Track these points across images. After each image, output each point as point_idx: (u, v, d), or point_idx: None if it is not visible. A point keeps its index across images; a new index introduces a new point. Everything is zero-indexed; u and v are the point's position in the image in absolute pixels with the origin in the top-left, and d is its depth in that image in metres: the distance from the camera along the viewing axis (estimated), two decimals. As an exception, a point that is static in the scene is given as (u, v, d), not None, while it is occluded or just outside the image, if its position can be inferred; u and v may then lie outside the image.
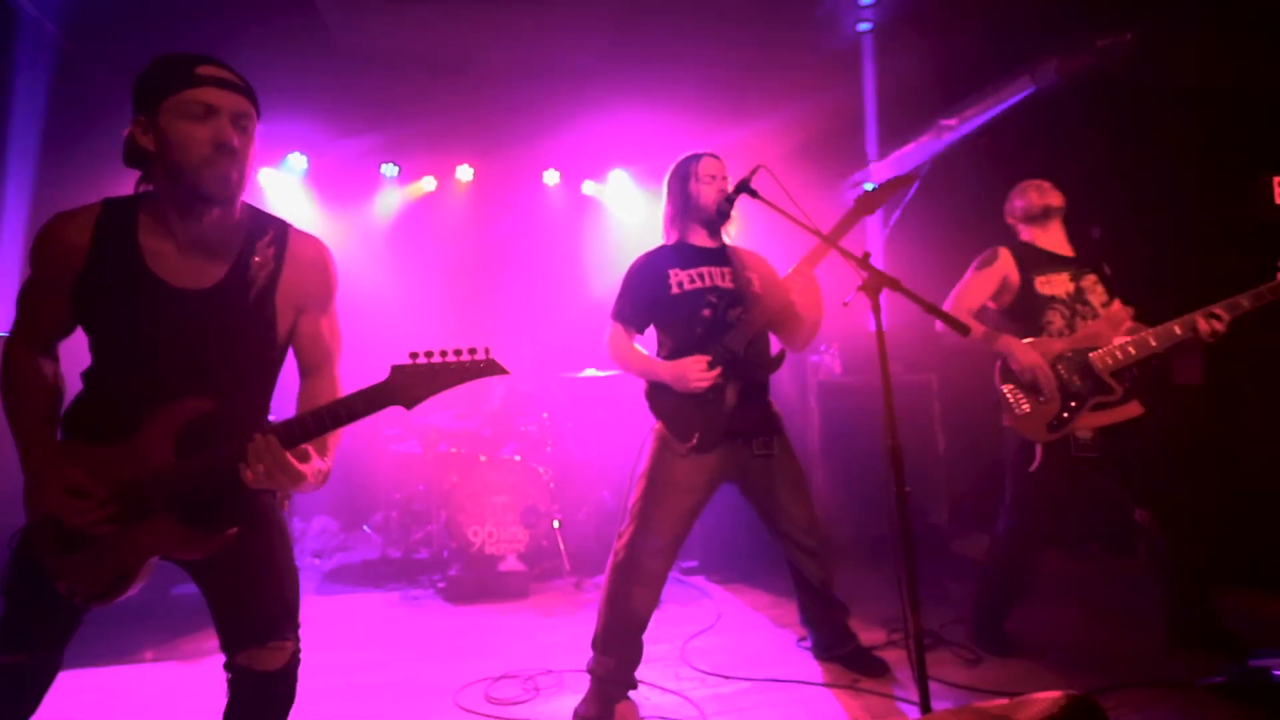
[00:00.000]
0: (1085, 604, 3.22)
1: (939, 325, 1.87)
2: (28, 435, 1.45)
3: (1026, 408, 2.58)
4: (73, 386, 1.54)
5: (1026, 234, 2.77)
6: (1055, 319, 2.63)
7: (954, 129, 3.95)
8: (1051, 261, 2.68)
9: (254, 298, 1.47)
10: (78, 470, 1.39)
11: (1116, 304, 2.62)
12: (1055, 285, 2.65)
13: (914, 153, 4.18)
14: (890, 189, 2.21)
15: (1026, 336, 2.63)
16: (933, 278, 2.76)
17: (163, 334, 1.43)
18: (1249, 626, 2.70)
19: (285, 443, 1.38)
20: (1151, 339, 2.50)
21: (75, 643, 1.63)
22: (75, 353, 1.55)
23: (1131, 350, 2.51)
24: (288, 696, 1.55)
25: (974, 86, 3.79)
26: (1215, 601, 2.57)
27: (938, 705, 1.81)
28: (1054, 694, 1.29)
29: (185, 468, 1.41)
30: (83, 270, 1.41)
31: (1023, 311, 2.67)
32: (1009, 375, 2.62)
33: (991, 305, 2.74)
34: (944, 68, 3.66)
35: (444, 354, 1.43)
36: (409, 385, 1.41)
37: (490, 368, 1.44)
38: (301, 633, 1.59)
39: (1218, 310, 2.45)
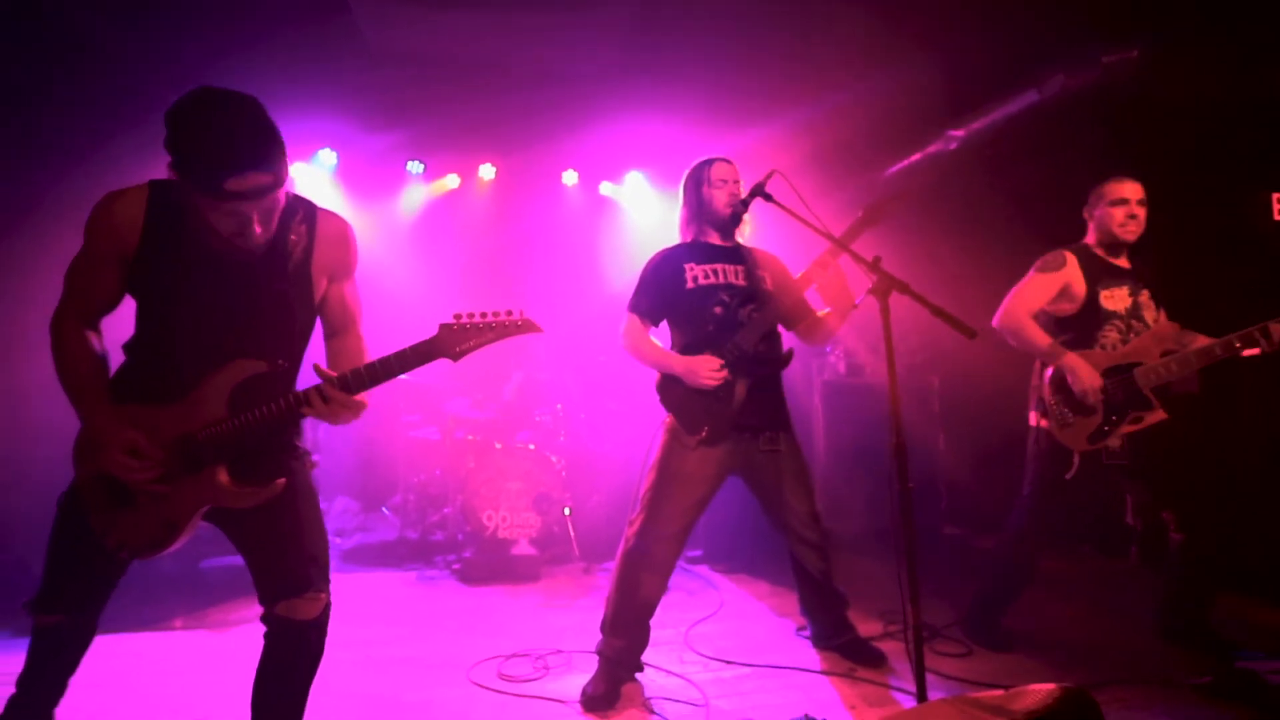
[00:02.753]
0: (1078, 602, 3.29)
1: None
2: (86, 399, 1.55)
3: (1071, 420, 2.60)
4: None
5: (1092, 234, 2.71)
6: (1112, 334, 2.61)
7: (961, 140, 4.02)
8: (1114, 274, 2.64)
9: (294, 267, 1.61)
10: (137, 432, 1.51)
11: (1164, 320, 2.62)
12: (1117, 300, 2.61)
13: (921, 162, 4.26)
14: (898, 201, 2.25)
15: (1079, 348, 2.61)
16: (937, 283, 2.82)
17: (219, 299, 1.56)
18: (1236, 630, 2.76)
19: (350, 390, 1.56)
20: (1194, 358, 2.49)
21: (110, 611, 1.75)
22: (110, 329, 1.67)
23: (1174, 367, 2.50)
24: (320, 645, 1.67)
25: (981, 99, 3.86)
26: (1212, 606, 2.62)
27: (933, 696, 1.87)
28: (1048, 686, 1.35)
29: (241, 421, 1.54)
30: (139, 243, 1.53)
31: (1082, 324, 2.63)
32: (1062, 388, 2.60)
33: (1048, 309, 2.69)
34: (952, 80, 3.72)
35: (484, 314, 1.60)
36: (454, 340, 1.58)
37: (526, 325, 1.61)
38: None
39: (1258, 332, 2.43)
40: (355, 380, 1.56)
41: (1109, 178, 2.68)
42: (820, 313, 2.46)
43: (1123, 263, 2.67)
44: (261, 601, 1.62)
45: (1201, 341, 2.54)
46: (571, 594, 3.46)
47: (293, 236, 1.61)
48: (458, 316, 1.58)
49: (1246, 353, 2.45)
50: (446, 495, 4.20)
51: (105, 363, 1.64)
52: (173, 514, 1.55)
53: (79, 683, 1.89)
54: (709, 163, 2.50)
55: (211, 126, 1.40)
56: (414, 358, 1.58)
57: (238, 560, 3.90)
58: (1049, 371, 2.64)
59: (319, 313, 1.74)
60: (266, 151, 1.43)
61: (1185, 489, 2.58)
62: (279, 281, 1.60)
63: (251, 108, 1.45)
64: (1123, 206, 2.61)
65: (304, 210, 1.66)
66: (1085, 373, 2.53)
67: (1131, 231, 2.62)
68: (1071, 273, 2.63)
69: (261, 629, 1.64)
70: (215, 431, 1.54)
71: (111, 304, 1.65)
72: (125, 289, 1.61)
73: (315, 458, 4.32)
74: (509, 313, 1.60)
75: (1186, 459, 2.60)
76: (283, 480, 1.59)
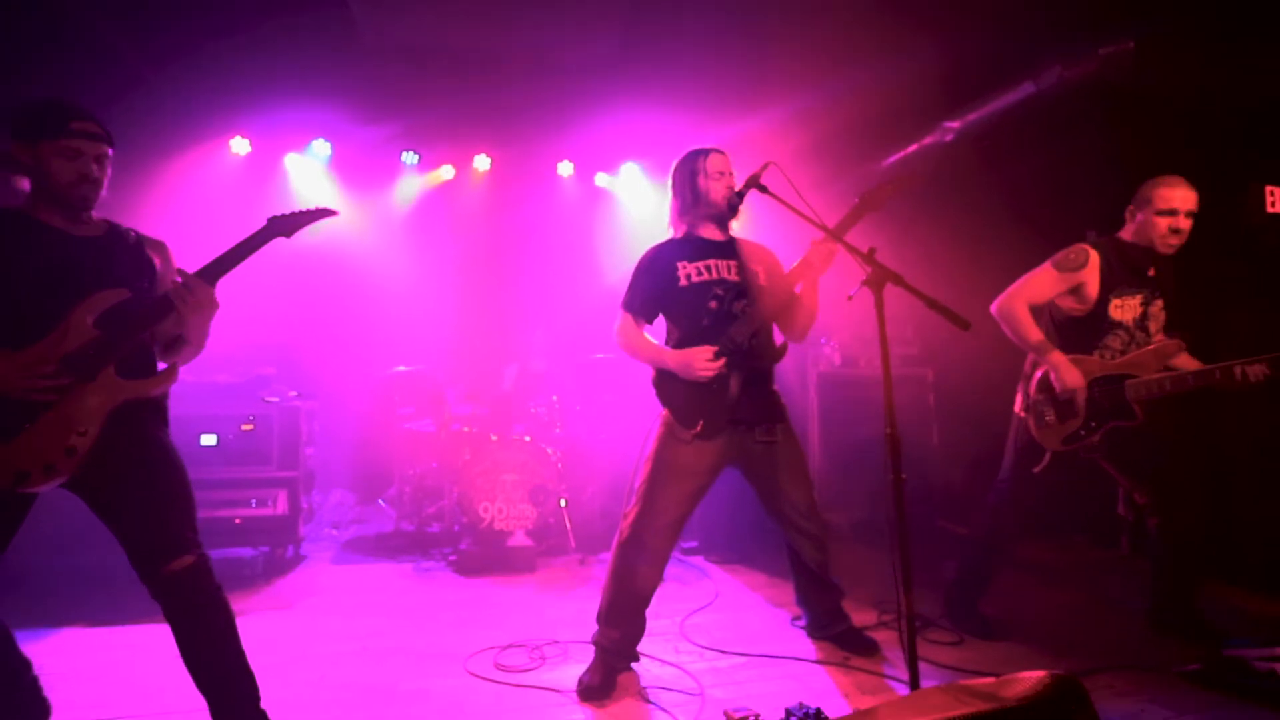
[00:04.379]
0: (1070, 592, 3.32)
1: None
2: None
3: (1051, 419, 2.61)
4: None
5: (1129, 233, 2.63)
6: (1114, 343, 2.60)
7: (956, 131, 4.01)
8: (1131, 280, 2.59)
9: (131, 245, 1.95)
10: (17, 360, 1.68)
11: (1172, 340, 2.58)
12: (1127, 310, 2.58)
13: (917, 153, 4.25)
14: (891, 190, 2.25)
15: (1078, 352, 2.60)
16: (932, 275, 2.83)
17: (77, 264, 1.82)
18: (1226, 619, 2.79)
19: (212, 275, 1.86)
20: (1190, 379, 2.45)
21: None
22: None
23: (1168, 385, 2.48)
24: (213, 594, 1.82)
25: (977, 91, 3.85)
26: (1197, 592, 2.66)
27: (926, 684, 1.89)
28: (1038, 674, 1.37)
29: (108, 332, 1.77)
30: None
31: (1086, 329, 2.62)
32: (1047, 386, 2.61)
33: (1057, 303, 2.67)
34: (948, 71, 3.72)
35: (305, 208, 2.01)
36: (286, 223, 1.96)
37: (323, 212, 1.99)
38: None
39: (1261, 363, 2.36)
40: (209, 270, 1.86)
41: (1161, 179, 2.54)
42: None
43: (1149, 269, 2.60)
44: (143, 577, 1.77)
45: (1196, 365, 2.52)
46: (567, 585, 3.48)
47: (122, 233, 1.96)
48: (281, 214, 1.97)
49: (1251, 379, 2.37)
50: (442, 487, 4.21)
51: None
52: (81, 420, 1.73)
53: (78, 674, 1.91)
54: (703, 154, 2.46)
55: (60, 97, 1.86)
56: (256, 240, 1.92)
57: (236, 553, 3.91)
58: (1040, 370, 2.65)
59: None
60: (100, 120, 1.86)
61: (1162, 474, 2.60)
62: (123, 252, 1.91)
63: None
64: (1169, 218, 2.52)
65: (129, 228, 2.00)
66: (1068, 373, 2.54)
67: (1172, 246, 2.55)
68: (1089, 274, 2.58)
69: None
70: (94, 342, 1.76)
71: None
72: None
73: (310, 451, 4.32)
74: (316, 206, 2.01)
75: (1169, 446, 2.62)
76: (176, 367, 1.88)
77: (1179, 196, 2.52)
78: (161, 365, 1.94)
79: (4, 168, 2.04)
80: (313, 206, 2.02)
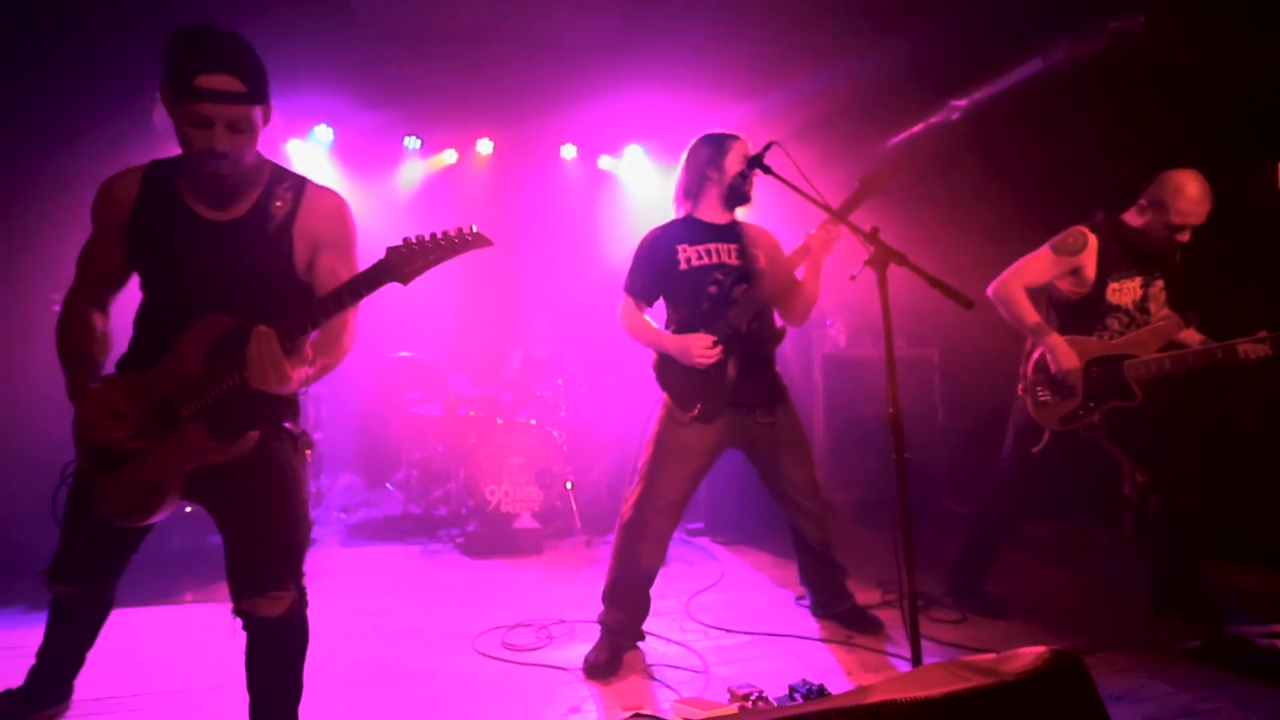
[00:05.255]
0: (1073, 570, 3.34)
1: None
2: (75, 370, 1.63)
3: (1047, 399, 2.62)
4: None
5: (1136, 220, 2.56)
6: (1113, 325, 2.60)
7: (963, 110, 3.97)
8: (1131, 264, 2.57)
9: (273, 230, 1.62)
10: (113, 394, 1.56)
11: (1171, 318, 2.57)
12: (1125, 293, 2.57)
13: (924, 132, 4.21)
14: (897, 171, 2.24)
15: (1078, 334, 2.60)
16: (937, 255, 2.81)
17: (194, 259, 1.59)
18: (1227, 596, 2.81)
19: (293, 334, 1.52)
20: (1191, 358, 2.45)
21: (123, 586, 1.78)
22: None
23: (1167, 365, 2.48)
24: (291, 639, 1.70)
25: (985, 68, 3.80)
26: (1199, 570, 2.67)
27: (928, 661, 1.91)
28: (1039, 649, 1.38)
29: (210, 376, 1.56)
30: (131, 214, 1.60)
31: (1084, 311, 2.62)
32: (1044, 366, 2.61)
33: (1056, 284, 2.66)
34: (955, 49, 3.66)
35: (433, 235, 1.53)
36: (404, 262, 1.51)
37: (477, 240, 1.55)
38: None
39: (1262, 337, 2.40)
40: (297, 325, 1.51)
41: (1185, 189, 2.44)
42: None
43: (1149, 248, 2.57)
44: (231, 597, 1.64)
45: (1198, 341, 2.52)
46: (574, 566, 3.52)
47: (277, 202, 1.63)
48: (406, 239, 1.52)
49: (1253, 356, 2.39)
50: (449, 471, 4.25)
51: (104, 340, 1.69)
52: (155, 475, 1.57)
53: (92, 654, 1.95)
54: (731, 137, 2.44)
55: (190, 33, 1.46)
56: (363, 285, 1.52)
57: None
58: (1038, 350, 2.65)
59: (311, 284, 1.71)
60: (237, 57, 1.46)
61: (1163, 453, 2.61)
62: (255, 243, 1.61)
63: (232, 32, 1.49)
64: (1184, 233, 2.48)
65: (293, 180, 1.69)
66: (1064, 354, 2.54)
67: (1178, 244, 2.54)
68: (1087, 258, 2.57)
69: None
70: (189, 385, 1.56)
71: (116, 279, 1.70)
72: (128, 265, 1.66)
73: (318, 435, 4.35)
74: (459, 229, 1.53)
75: (1170, 425, 2.62)
76: (255, 434, 1.61)
77: (1198, 213, 2.46)
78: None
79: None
80: (453, 231, 1.52)
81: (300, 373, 1.59)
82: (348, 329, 1.72)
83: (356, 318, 1.74)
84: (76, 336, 1.65)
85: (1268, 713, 2.00)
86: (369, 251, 1.65)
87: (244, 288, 1.61)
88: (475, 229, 1.54)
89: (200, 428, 1.57)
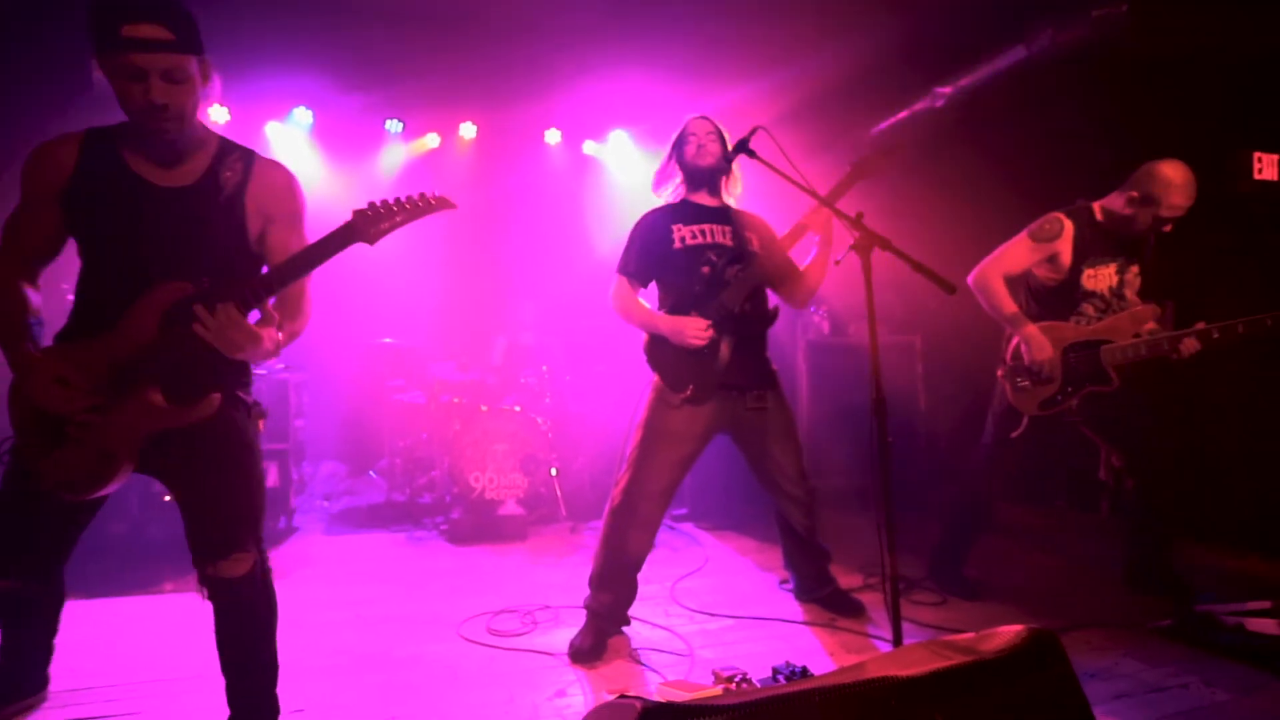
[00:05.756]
0: (1050, 554, 3.41)
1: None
2: (12, 339, 1.56)
3: (1025, 385, 2.65)
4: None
5: (1122, 209, 2.56)
6: (1089, 310, 2.63)
7: (947, 97, 3.98)
8: (1106, 250, 2.60)
9: (224, 199, 1.61)
10: (63, 363, 1.51)
11: (1147, 305, 2.61)
12: (1100, 280, 2.61)
13: (908, 119, 4.23)
14: (886, 157, 2.25)
15: (1055, 319, 2.64)
16: (921, 242, 2.83)
17: (148, 227, 1.56)
18: (1202, 578, 2.87)
19: (259, 295, 1.53)
20: (1165, 343, 2.49)
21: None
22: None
23: (1143, 350, 2.52)
24: (258, 603, 1.70)
25: (969, 55, 3.82)
26: (1173, 550, 2.73)
27: (909, 642, 1.94)
28: (1016, 628, 1.40)
29: (167, 338, 1.53)
30: (70, 179, 1.55)
31: (1059, 297, 2.65)
32: (1020, 356, 2.65)
33: (1033, 271, 2.68)
34: (940, 36, 3.67)
35: (398, 198, 1.59)
36: (369, 224, 1.56)
37: (440, 203, 1.61)
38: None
39: (1239, 325, 2.43)
40: (262, 285, 1.53)
41: (1174, 182, 2.45)
42: (801, 266, 2.48)
43: (1125, 233, 2.60)
44: (195, 564, 1.63)
45: (1173, 327, 2.56)
46: (558, 553, 3.52)
47: (226, 173, 1.63)
48: (371, 203, 1.57)
49: (1225, 341, 2.43)
50: (433, 458, 4.23)
51: (37, 311, 1.63)
52: (110, 443, 1.54)
53: (70, 644, 1.92)
54: (689, 119, 2.50)
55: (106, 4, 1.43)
56: (332, 245, 1.55)
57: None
58: (1015, 338, 2.68)
59: (264, 258, 1.71)
60: (163, 4, 1.44)
61: (1138, 436, 2.65)
62: (208, 211, 1.60)
63: None
64: (1168, 225, 2.52)
65: (242, 153, 1.68)
66: (1038, 345, 2.57)
67: (1158, 233, 2.57)
68: (1063, 244, 2.60)
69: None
70: (145, 349, 1.54)
71: (48, 248, 1.63)
72: (63, 232, 1.61)
73: (299, 423, 4.30)
74: (421, 194, 1.59)
75: (1145, 409, 2.66)
76: (217, 397, 1.60)
77: (1187, 205, 2.48)
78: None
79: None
80: (417, 195, 1.59)
81: (270, 333, 1.60)
82: (306, 296, 1.74)
83: (311, 287, 1.76)
84: (10, 307, 1.57)
85: (1233, 686, 2.05)
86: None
87: (197, 256, 1.59)
88: (438, 194, 1.59)
89: (157, 392, 1.55)
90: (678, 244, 2.41)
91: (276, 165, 1.72)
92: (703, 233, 2.42)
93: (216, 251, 1.61)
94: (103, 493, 1.61)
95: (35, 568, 1.72)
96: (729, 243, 2.42)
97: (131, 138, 1.57)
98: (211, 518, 1.64)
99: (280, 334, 1.65)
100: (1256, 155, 3.17)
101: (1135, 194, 2.53)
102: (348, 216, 1.59)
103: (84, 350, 1.54)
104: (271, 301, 1.61)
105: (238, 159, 1.65)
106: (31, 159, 1.56)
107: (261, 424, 1.81)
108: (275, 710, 1.75)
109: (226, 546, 1.62)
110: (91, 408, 1.52)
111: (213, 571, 1.62)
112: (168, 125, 1.50)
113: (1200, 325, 2.46)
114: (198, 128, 1.61)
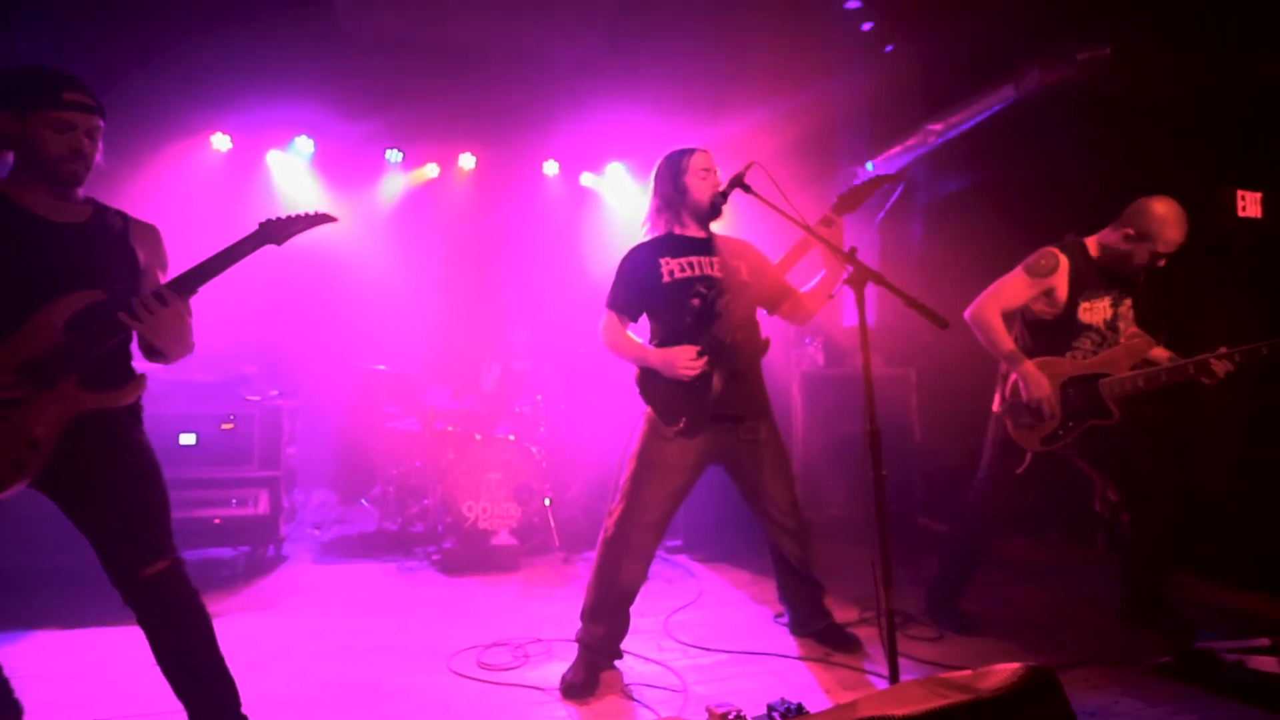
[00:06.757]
0: (1046, 587, 3.38)
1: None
2: None
3: (1028, 421, 2.66)
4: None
5: (1118, 245, 2.58)
6: (1085, 344, 2.65)
7: (939, 134, 4.07)
8: (1100, 284, 2.63)
9: (115, 235, 1.84)
10: None
11: (1141, 336, 2.65)
12: (1096, 313, 2.63)
13: (900, 155, 4.31)
14: (872, 187, 2.28)
15: (1050, 354, 2.65)
16: (916, 276, 2.86)
17: (54, 257, 1.73)
18: (1201, 614, 2.86)
19: (187, 288, 1.75)
20: (1164, 375, 2.53)
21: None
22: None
23: (1140, 383, 2.55)
24: (186, 597, 1.77)
25: (959, 93, 3.91)
26: (1169, 586, 2.72)
27: (905, 679, 1.91)
28: (1013, 665, 1.40)
29: (72, 343, 1.68)
30: None
31: (1055, 332, 2.66)
32: (1019, 392, 2.65)
33: (1030, 306, 2.69)
34: (930, 74, 3.77)
35: (299, 214, 1.91)
36: (278, 230, 1.86)
37: (324, 217, 1.92)
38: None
39: (1236, 354, 2.47)
40: (188, 279, 1.75)
41: (1168, 220, 2.49)
42: (802, 291, 2.49)
43: (1120, 270, 2.64)
44: (116, 575, 1.72)
45: (1168, 358, 2.60)
46: (551, 584, 3.48)
47: (109, 219, 1.86)
48: (277, 216, 1.87)
49: (1220, 374, 2.47)
50: (426, 486, 4.19)
51: None
52: (34, 431, 1.64)
53: (53, 675, 1.88)
54: (688, 152, 2.47)
55: (48, 67, 1.75)
56: (248, 244, 1.82)
57: (216, 553, 3.86)
58: (1014, 375, 2.69)
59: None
60: (88, 88, 1.77)
61: (1134, 470, 2.66)
62: (105, 244, 1.81)
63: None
64: (1162, 261, 2.56)
65: (115, 209, 1.90)
66: (1035, 382, 2.59)
67: (1146, 272, 2.62)
68: (1059, 279, 2.62)
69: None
70: (56, 347, 1.67)
71: None
72: None
73: (291, 450, 4.27)
74: (316, 211, 1.91)
75: (1141, 442, 2.67)
76: (143, 378, 1.78)
77: (1180, 241, 2.52)
78: (139, 368, 1.84)
79: None
80: (310, 211, 1.90)
81: (186, 312, 1.79)
82: (189, 328, 1.89)
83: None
84: None
85: (1235, 727, 2.03)
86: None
87: (98, 277, 1.75)
88: (321, 210, 1.92)
89: (72, 382, 1.69)
90: (666, 278, 2.41)
91: (148, 222, 1.95)
92: (690, 265, 2.42)
93: (116, 274, 1.80)
94: (9, 492, 1.66)
95: None
96: (717, 274, 2.42)
97: (17, 188, 1.75)
98: (125, 530, 1.73)
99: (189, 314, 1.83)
100: (1240, 194, 3.24)
101: (1130, 230, 2.56)
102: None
103: None
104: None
105: (114, 212, 1.89)
106: None
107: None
108: None
109: (148, 553, 1.73)
110: (12, 389, 1.63)
111: (130, 577, 1.70)
112: (80, 170, 1.76)
113: (1222, 349, 2.48)
114: (83, 189, 1.84)
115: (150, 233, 1.92)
